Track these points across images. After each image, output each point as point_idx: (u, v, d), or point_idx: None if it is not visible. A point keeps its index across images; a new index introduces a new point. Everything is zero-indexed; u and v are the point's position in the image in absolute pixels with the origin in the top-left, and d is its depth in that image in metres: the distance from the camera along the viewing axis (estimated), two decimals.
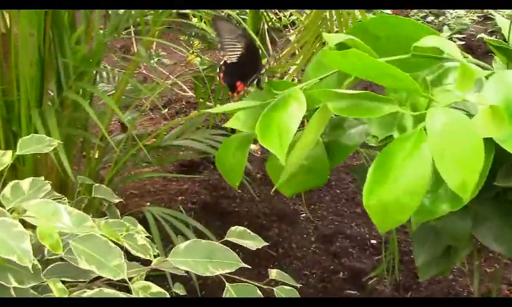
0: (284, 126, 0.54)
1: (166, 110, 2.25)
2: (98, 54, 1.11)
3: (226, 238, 0.74)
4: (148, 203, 1.62)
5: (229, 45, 0.69)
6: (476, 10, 3.16)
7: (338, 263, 1.51)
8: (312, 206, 1.70)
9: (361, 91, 0.53)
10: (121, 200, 0.98)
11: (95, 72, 1.47)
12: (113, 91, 1.46)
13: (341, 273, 1.48)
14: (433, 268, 0.74)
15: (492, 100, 0.55)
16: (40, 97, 1.10)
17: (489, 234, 0.66)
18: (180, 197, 1.67)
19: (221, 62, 0.70)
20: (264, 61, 0.72)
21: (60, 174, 1.15)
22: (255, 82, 0.69)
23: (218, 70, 0.70)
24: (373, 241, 1.59)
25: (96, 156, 1.34)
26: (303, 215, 1.68)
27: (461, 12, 3.12)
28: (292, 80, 2.07)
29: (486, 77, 0.59)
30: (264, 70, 0.69)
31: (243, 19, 2.50)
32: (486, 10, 3.19)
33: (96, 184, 0.94)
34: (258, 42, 0.76)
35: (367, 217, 1.76)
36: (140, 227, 0.87)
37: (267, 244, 0.77)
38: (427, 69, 0.60)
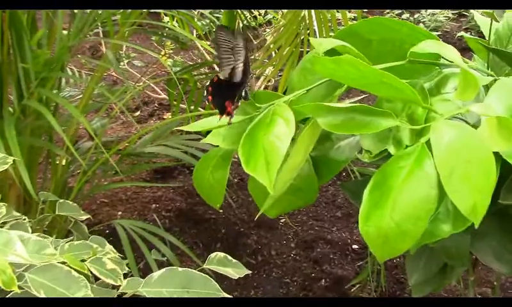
0: (272, 152, 0.47)
1: (138, 113, 2.17)
2: (61, 58, 1.03)
3: (205, 266, 0.68)
4: (120, 212, 1.54)
5: (225, 58, 0.60)
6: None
7: (320, 270, 1.46)
8: (291, 211, 1.65)
9: (355, 104, 0.47)
10: (89, 217, 0.90)
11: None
12: (80, 96, 1.38)
13: (323, 280, 1.43)
14: (428, 287, 0.69)
15: (497, 110, 0.50)
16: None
17: (489, 251, 0.61)
18: (153, 205, 1.59)
19: (208, 83, 0.61)
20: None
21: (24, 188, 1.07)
22: (242, 96, 0.60)
23: (205, 93, 0.61)
24: (355, 246, 1.54)
25: (64, 163, 1.26)
26: (282, 220, 1.62)
27: (436, 10, 3.10)
28: (269, 81, 2.01)
29: (488, 86, 0.54)
30: (250, 78, 0.61)
31: (217, 17, 2.43)
32: None
33: (61, 200, 0.86)
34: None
35: (347, 220, 1.71)
36: (109, 247, 0.80)
37: (249, 272, 0.71)
38: (424, 76, 0.55)
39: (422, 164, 0.44)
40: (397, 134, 0.52)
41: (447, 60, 0.54)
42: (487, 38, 0.75)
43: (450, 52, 0.50)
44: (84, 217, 0.88)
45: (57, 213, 0.85)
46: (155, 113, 2.17)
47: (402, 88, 0.45)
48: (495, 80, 0.53)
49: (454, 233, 0.59)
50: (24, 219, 0.78)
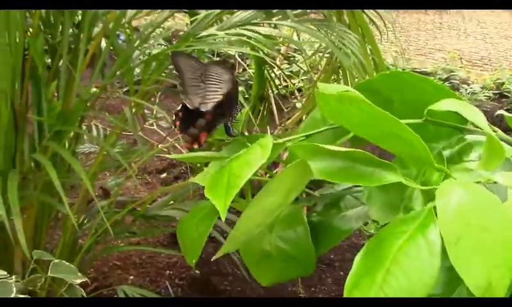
0: (235, 176, 0.41)
1: (165, 174, 2.14)
2: (77, 112, 1.01)
3: None
4: (132, 277, 1.47)
5: (192, 86, 0.55)
6: (491, 87, 3.09)
7: None
8: (313, 289, 1.54)
9: (355, 150, 0.40)
10: (85, 279, 0.84)
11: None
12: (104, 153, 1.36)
13: None
14: None
15: None
16: (11, 157, 1.00)
17: None
18: (167, 272, 1.52)
19: (178, 108, 0.56)
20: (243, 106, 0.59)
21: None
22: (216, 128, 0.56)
23: (174, 117, 0.57)
24: None
25: (75, 221, 1.21)
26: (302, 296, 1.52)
27: (477, 88, 3.04)
28: None
29: None
30: (237, 113, 0.56)
31: (250, 85, 2.44)
32: (502, 88, 3.11)
33: (56, 260, 0.81)
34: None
35: None
36: None
37: None
38: (444, 140, 0.48)
39: (426, 230, 0.36)
40: (409, 204, 0.45)
41: (473, 125, 0.48)
42: None
43: (475, 115, 0.44)
44: (79, 281, 0.82)
45: (49, 274, 0.79)
46: (182, 176, 2.14)
47: (413, 142, 0.38)
48: None
49: None
50: (11, 278, 0.73)
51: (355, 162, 0.40)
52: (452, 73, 3.27)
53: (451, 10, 5.69)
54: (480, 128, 0.46)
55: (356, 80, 1.39)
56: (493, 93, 3.04)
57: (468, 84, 3.17)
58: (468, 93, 3.00)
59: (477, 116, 0.45)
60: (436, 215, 0.36)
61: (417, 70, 3.39)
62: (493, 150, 0.42)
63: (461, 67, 3.58)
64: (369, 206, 0.48)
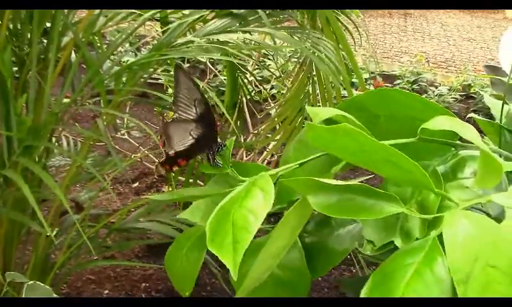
0: (241, 229, 0.39)
1: (137, 184, 2.10)
2: (47, 126, 0.97)
3: None
4: (107, 291, 1.43)
5: (182, 104, 0.57)
6: (458, 89, 3.15)
7: None
8: None
9: (354, 183, 0.39)
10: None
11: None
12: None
13: None
14: None
15: None
16: None
17: None
18: (143, 284, 1.48)
19: (164, 124, 0.57)
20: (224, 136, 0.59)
21: None
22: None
23: (160, 136, 0.57)
24: None
25: (47, 236, 1.17)
26: None
27: (444, 90, 3.09)
28: (272, 156, 1.95)
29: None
30: (219, 148, 0.56)
31: (222, 92, 2.42)
32: (468, 90, 3.18)
33: (30, 282, 0.78)
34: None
35: None
36: None
37: None
38: (438, 157, 0.47)
39: (432, 264, 0.36)
40: (405, 224, 0.44)
41: (465, 140, 0.47)
42: (497, 120, 0.70)
43: (468, 131, 0.43)
44: None
45: (24, 296, 0.76)
46: (154, 185, 2.10)
47: (412, 169, 0.37)
48: None
49: None
50: None
51: (354, 194, 0.39)
52: (420, 76, 3.32)
53: (415, 13, 5.80)
54: (472, 143, 0.45)
55: (331, 84, 1.39)
56: (460, 95, 3.10)
57: (436, 86, 3.22)
58: (436, 95, 3.05)
59: (469, 131, 0.45)
60: (441, 245, 0.35)
61: (386, 73, 3.44)
62: (489, 167, 0.42)
63: (428, 69, 3.64)
64: (363, 225, 0.47)
